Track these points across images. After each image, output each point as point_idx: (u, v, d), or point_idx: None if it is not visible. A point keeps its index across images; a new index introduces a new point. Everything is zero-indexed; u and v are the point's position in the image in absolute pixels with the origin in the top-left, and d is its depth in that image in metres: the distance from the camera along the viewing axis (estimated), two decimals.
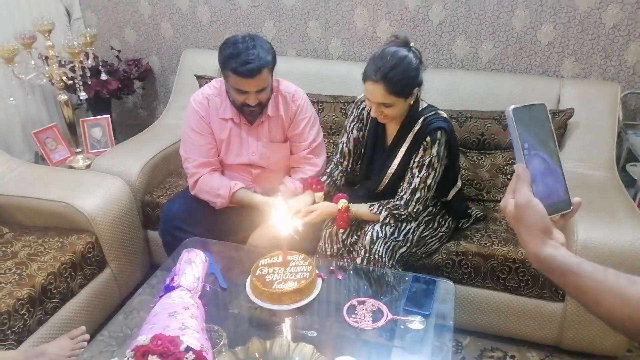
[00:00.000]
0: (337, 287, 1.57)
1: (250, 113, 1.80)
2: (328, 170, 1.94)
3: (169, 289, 1.40)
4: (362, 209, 1.77)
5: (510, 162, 2.13)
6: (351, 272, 1.65)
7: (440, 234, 1.84)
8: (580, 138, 2.18)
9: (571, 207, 0.70)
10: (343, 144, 1.91)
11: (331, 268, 1.62)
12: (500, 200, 2.11)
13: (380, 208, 1.74)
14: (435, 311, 1.43)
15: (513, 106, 0.64)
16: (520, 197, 0.67)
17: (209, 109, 1.87)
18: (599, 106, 2.19)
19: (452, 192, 1.84)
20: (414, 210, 1.73)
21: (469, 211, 1.96)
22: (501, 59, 2.45)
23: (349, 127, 1.87)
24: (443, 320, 1.40)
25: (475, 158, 2.17)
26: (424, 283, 1.52)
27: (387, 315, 1.40)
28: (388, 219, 1.73)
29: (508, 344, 1.94)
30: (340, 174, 1.93)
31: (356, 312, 1.42)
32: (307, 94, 2.27)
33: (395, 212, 1.73)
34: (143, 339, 1.07)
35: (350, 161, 1.92)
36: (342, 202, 1.76)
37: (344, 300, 1.48)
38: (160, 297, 1.39)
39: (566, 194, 0.69)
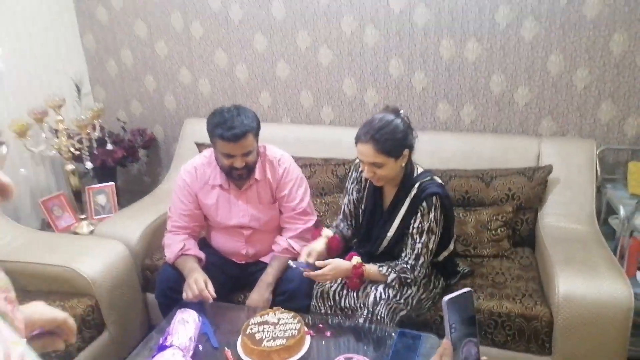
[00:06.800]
0: (325, 344, 1.62)
1: (239, 177, 1.91)
2: (335, 225, 2.02)
3: (162, 348, 1.46)
4: (372, 269, 1.78)
5: (494, 218, 2.22)
6: (340, 328, 1.70)
7: (434, 294, 1.89)
8: (560, 194, 2.28)
9: None
10: (345, 205, 2.00)
11: (320, 325, 1.67)
12: (486, 256, 2.23)
13: (390, 270, 1.76)
14: None
15: (447, 298, 0.78)
16: None
17: (195, 178, 2.00)
18: (577, 162, 2.30)
19: (444, 254, 1.90)
20: (419, 274, 1.77)
21: (458, 268, 2.02)
22: (482, 120, 2.59)
23: (349, 189, 1.96)
24: None
25: (460, 215, 2.26)
26: (410, 338, 1.57)
27: None
28: (394, 282, 1.76)
29: None
30: (347, 227, 2.01)
31: None
32: (301, 158, 2.41)
33: (402, 275, 1.76)
34: None
35: (352, 221, 2.00)
36: (356, 259, 1.77)
37: (332, 357, 1.52)
38: (154, 356, 1.46)
39: (478, 356, 0.85)
